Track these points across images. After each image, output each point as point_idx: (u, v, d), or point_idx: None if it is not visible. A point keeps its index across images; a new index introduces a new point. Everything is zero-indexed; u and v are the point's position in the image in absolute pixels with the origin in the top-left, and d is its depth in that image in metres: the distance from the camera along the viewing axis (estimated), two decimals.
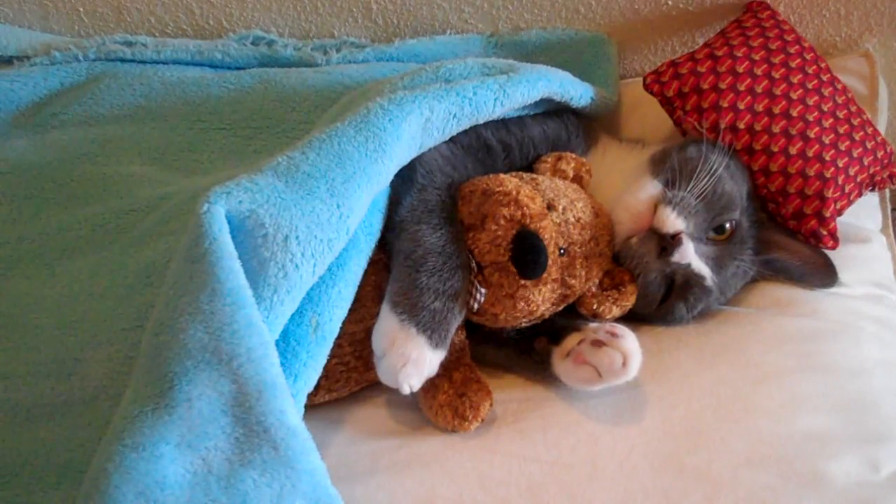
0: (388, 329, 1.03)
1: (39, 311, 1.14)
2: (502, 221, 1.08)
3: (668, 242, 1.14)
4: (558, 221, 1.11)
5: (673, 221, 1.14)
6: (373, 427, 1.11)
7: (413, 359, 1.01)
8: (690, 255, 1.14)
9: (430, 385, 1.07)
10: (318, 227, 0.94)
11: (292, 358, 0.96)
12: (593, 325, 1.12)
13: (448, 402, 1.07)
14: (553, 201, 1.12)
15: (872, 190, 1.37)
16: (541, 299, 1.08)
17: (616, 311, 1.15)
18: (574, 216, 1.12)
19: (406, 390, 1.03)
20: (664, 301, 1.19)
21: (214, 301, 0.86)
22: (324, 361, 1.00)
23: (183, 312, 0.86)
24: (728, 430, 1.07)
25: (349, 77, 1.41)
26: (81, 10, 1.65)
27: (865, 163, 1.32)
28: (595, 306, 1.14)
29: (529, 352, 1.15)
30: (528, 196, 1.09)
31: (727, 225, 1.20)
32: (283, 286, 0.91)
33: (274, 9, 1.64)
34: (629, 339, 1.06)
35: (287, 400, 0.88)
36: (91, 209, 1.28)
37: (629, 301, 1.15)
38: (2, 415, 1.03)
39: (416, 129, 1.08)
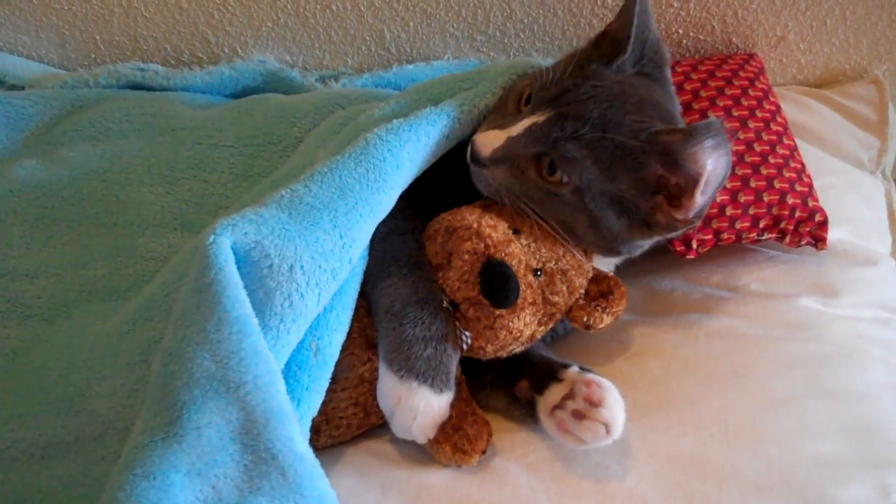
0: (390, 388, 1.04)
1: (50, 354, 1.15)
2: (466, 256, 1.06)
3: None
4: (527, 243, 1.09)
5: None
6: (382, 459, 1.10)
7: (421, 410, 1.02)
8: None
9: None
10: (323, 257, 0.96)
11: (294, 383, 0.97)
12: (572, 371, 1.09)
13: (446, 438, 1.06)
14: (520, 223, 1.10)
15: (780, 239, 1.34)
16: (521, 325, 1.07)
17: (608, 320, 1.12)
18: (544, 233, 1.10)
19: (422, 441, 1.05)
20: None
21: (221, 330, 0.87)
22: (325, 385, 1.01)
23: (191, 342, 0.87)
24: (737, 457, 1.06)
25: (346, 97, 1.42)
26: (98, 38, 1.67)
27: (766, 199, 1.31)
28: (585, 319, 1.11)
29: (514, 399, 1.14)
30: (490, 225, 1.08)
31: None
32: (290, 315, 0.93)
33: (289, 37, 1.66)
34: (609, 406, 1.03)
35: (294, 427, 0.89)
36: (103, 242, 1.29)
37: (619, 307, 1.12)
38: (19, 454, 1.04)
39: (414, 156, 1.09)
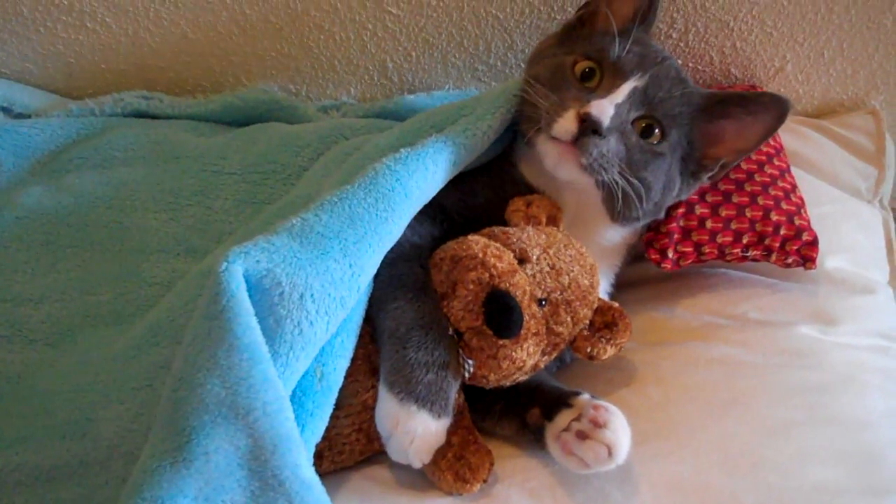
0: (389, 410, 1.03)
1: (55, 378, 1.16)
2: (471, 286, 1.06)
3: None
4: (532, 273, 1.09)
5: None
6: (384, 485, 1.10)
7: (419, 434, 1.02)
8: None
9: None
10: (332, 285, 0.96)
11: (299, 408, 0.97)
12: (583, 398, 1.09)
13: (448, 467, 1.06)
14: (526, 253, 1.11)
15: (767, 257, 1.34)
16: (525, 355, 1.07)
17: (611, 351, 1.13)
18: (549, 264, 1.10)
19: (418, 465, 1.05)
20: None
21: (232, 356, 0.87)
22: (329, 411, 1.01)
23: (201, 368, 0.88)
24: (736, 484, 1.07)
25: (349, 128, 1.44)
26: (104, 66, 1.68)
27: (748, 214, 1.33)
28: (589, 350, 1.12)
29: (525, 426, 1.14)
30: (495, 255, 1.08)
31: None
32: (299, 343, 0.93)
33: (292, 66, 1.67)
34: (613, 429, 1.03)
35: (301, 454, 0.89)
36: (108, 268, 1.31)
37: (623, 338, 1.13)
38: (23, 477, 1.04)
39: (422, 185, 1.11)
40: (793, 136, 1.59)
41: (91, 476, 1.03)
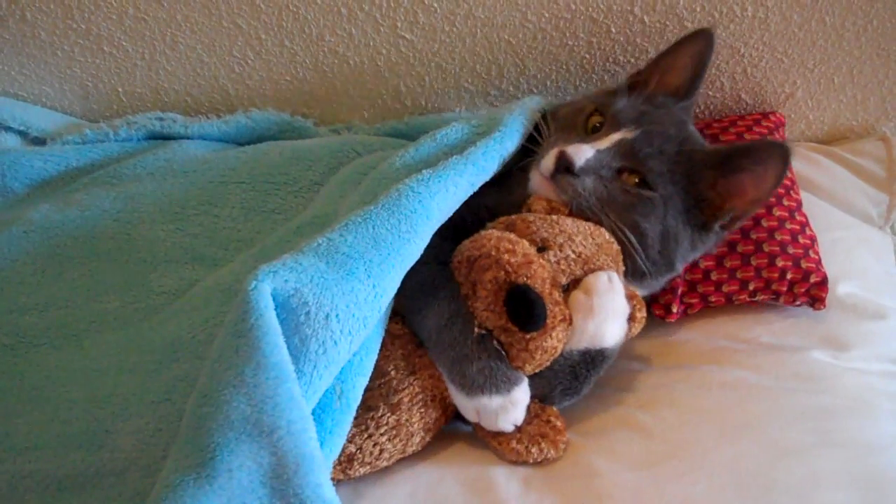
0: (466, 406, 1.11)
1: (69, 384, 1.16)
2: (489, 286, 1.09)
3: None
4: (557, 259, 1.12)
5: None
6: (403, 500, 1.11)
7: (500, 411, 1.10)
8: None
9: None
10: (357, 306, 0.98)
11: (318, 426, 0.97)
12: None
13: (538, 431, 1.12)
14: (548, 241, 1.13)
15: (775, 300, 1.37)
16: (555, 342, 1.09)
17: (635, 329, 1.18)
18: (574, 251, 1.13)
19: (511, 429, 1.13)
20: None
21: (258, 374, 0.88)
22: (348, 428, 1.02)
23: (227, 385, 0.89)
24: None
25: (361, 144, 1.46)
26: (120, 90, 1.70)
27: (753, 262, 1.35)
28: None
29: None
30: (507, 250, 1.09)
31: None
32: (323, 362, 0.94)
33: (306, 90, 1.69)
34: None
35: (324, 474, 0.89)
36: (115, 277, 1.31)
37: (644, 314, 1.18)
38: (34, 485, 1.04)
39: (443, 206, 1.12)
40: (804, 163, 1.60)
41: (104, 487, 1.03)
